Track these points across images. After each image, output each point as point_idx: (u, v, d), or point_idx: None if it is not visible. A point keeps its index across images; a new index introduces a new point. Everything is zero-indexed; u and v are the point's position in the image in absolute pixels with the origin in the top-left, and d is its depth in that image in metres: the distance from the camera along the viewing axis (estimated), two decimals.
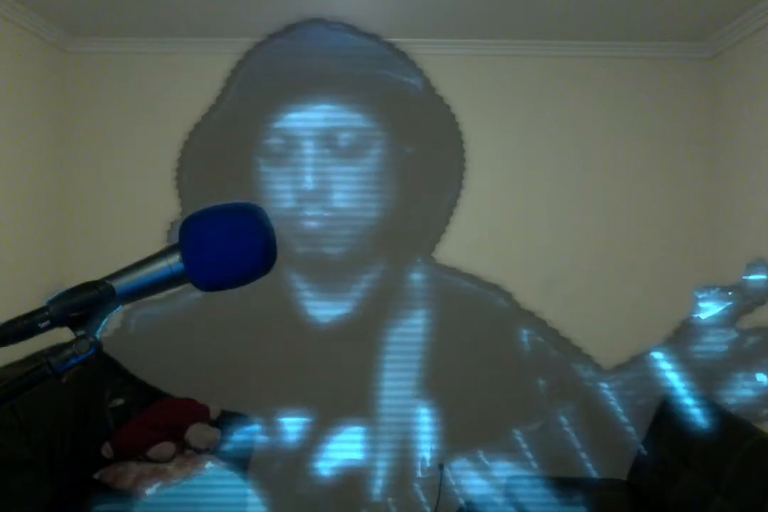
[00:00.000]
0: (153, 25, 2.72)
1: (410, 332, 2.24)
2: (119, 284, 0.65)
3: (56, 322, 0.62)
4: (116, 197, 2.92)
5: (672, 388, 1.89)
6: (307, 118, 2.09)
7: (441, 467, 2.76)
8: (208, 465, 2.30)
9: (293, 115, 2.10)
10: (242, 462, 2.51)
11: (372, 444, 2.17)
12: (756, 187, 2.43)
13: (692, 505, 2.15)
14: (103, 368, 2.65)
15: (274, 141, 2.11)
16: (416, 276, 2.32)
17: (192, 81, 2.91)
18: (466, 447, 2.15)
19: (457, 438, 2.40)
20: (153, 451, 2.41)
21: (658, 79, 2.83)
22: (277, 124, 2.13)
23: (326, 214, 2.14)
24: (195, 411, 2.60)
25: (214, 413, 2.64)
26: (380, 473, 2.11)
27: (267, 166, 2.15)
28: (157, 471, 2.32)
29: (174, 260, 0.65)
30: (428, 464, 2.16)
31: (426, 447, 2.23)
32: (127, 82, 2.91)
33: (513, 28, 2.69)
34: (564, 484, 2.62)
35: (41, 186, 2.77)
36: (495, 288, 2.42)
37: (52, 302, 0.63)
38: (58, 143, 2.86)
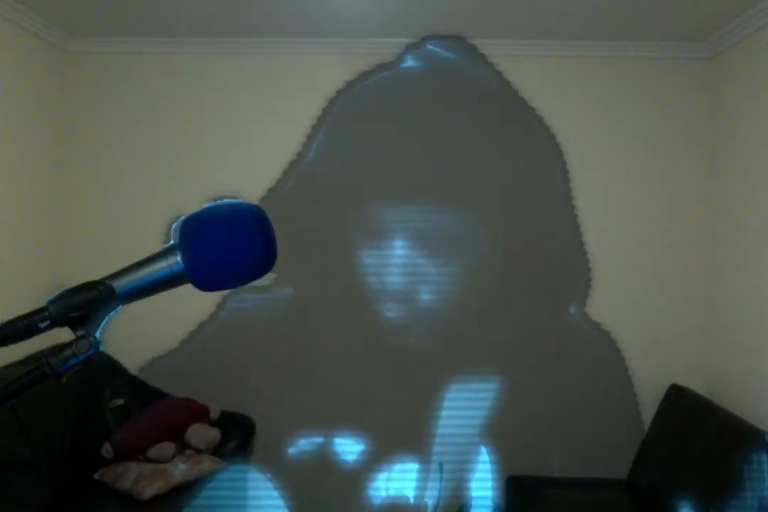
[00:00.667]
0: (153, 25, 2.72)
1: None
2: (119, 284, 0.65)
3: (56, 322, 0.62)
4: (116, 197, 2.92)
5: None
6: (403, 214, 2.20)
7: (441, 467, 2.76)
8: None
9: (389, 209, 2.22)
10: (243, 463, 2.52)
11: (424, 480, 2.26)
12: (756, 187, 2.43)
13: (692, 505, 2.14)
14: (103, 368, 2.65)
15: (371, 226, 2.20)
16: None
17: (192, 81, 2.91)
18: None
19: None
20: (153, 451, 2.40)
21: (658, 79, 2.83)
22: (376, 211, 2.24)
23: (406, 310, 2.29)
24: (195, 411, 2.60)
25: (214, 413, 2.64)
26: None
27: (360, 239, 2.26)
28: (157, 471, 2.32)
29: (174, 260, 0.65)
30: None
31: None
32: (127, 82, 2.91)
33: (513, 28, 2.69)
34: (564, 484, 2.62)
35: (41, 186, 2.77)
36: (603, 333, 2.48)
37: (52, 302, 0.63)
38: (58, 143, 2.86)
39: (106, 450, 2.41)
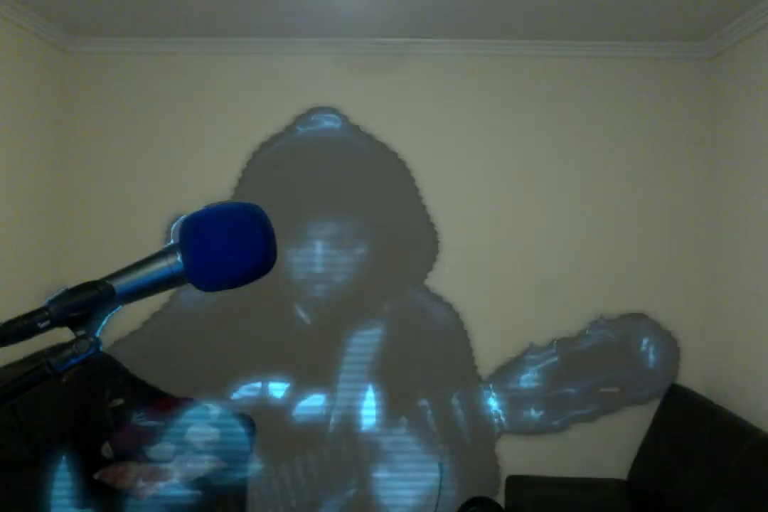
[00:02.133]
0: (153, 25, 2.72)
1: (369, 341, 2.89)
2: (119, 284, 0.65)
3: (56, 322, 0.62)
4: (116, 197, 2.92)
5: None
6: (320, 228, 2.85)
7: (441, 466, 2.76)
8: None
9: (310, 225, 2.84)
10: (242, 460, 2.52)
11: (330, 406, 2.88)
12: (756, 187, 2.43)
13: (692, 505, 2.15)
14: (103, 368, 2.65)
15: (295, 238, 2.82)
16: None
17: (192, 81, 2.91)
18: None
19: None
20: (153, 451, 2.40)
21: (658, 79, 2.83)
22: (298, 228, 2.83)
23: (328, 287, 2.85)
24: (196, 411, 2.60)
25: (214, 413, 2.64)
26: (334, 421, 2.83)
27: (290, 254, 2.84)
28: (157, 471, 2.32)
29: (174, 260, 0.65)
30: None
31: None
32: (127, 82, 2.91)
33: (513, 28, 2.69)
34: (564, 484, 2.62)
35: (41, 186, 2.77)
36: (440, 299, 2.88)
37: (52, 302, 0.63)
38: (58, 143, 2.86)
39: (106, 450, 2.41)
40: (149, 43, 2.87)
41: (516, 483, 2.62)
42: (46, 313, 0.62)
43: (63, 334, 0.63)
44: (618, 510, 2.49)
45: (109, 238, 2.90)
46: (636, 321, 2.62)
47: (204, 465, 2.41)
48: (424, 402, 2.71)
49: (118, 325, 2.76)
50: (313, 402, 2.83)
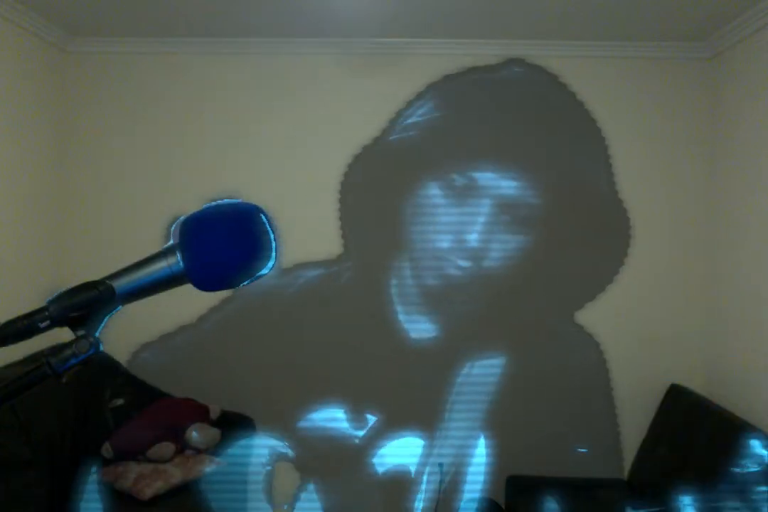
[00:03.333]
0: (153, 25, 2.72)
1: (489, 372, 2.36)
2: (119, 284, 0.65)
3: (56, 322, 0.62)
4: (116, 197, 2.92)
5: None
6: (496, 180, 2.17)
7: (441, 466, 2.76)
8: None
9: (485, 170, 2.21)
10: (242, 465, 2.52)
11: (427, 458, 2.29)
12: (756, 187, 2.43)
13: (692, 505, 2.14)
14: (103, 368, 2.65)
15: (460, 180, 2.17)
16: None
17: (192, 81, 2.91)
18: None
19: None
20: (153, 451, 2.40)
21: (658, 79, 2.83)
22: (468, 170, 2.19)
23: (470, 270, 2.25)
24: (195, 411, 2.60)
25: (214, 413, 2.64)
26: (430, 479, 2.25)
27: (441, 197, 2.19)
28: (157, 471, 2.32)
29: (174, 260, 0.65)
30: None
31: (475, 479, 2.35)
32: (127, 82, 2.91)
33: (513, 28, 2.69)
34: (564, 484, 2.62)
35: (41, 186, 2.77)
36: (590, 337, 2.53)
37: (52, 302, 0.63)
38: (58, 143, 2.86)
39: (106, 450, 2.41)
40: (149, 43, 2.87)
41: (516, 483, 2.62)
42: (46, 313, 0.62)
43: (63, 334, 0.63)
44: (618, 510, 2.49)
45: (109, 238, 2.90)
46: None
47: (204, 465, 2.41)
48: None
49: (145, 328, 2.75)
50: (405, 449, 2.22)
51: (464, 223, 2.24)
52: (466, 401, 2.32)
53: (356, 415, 2.20)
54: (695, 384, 2.67)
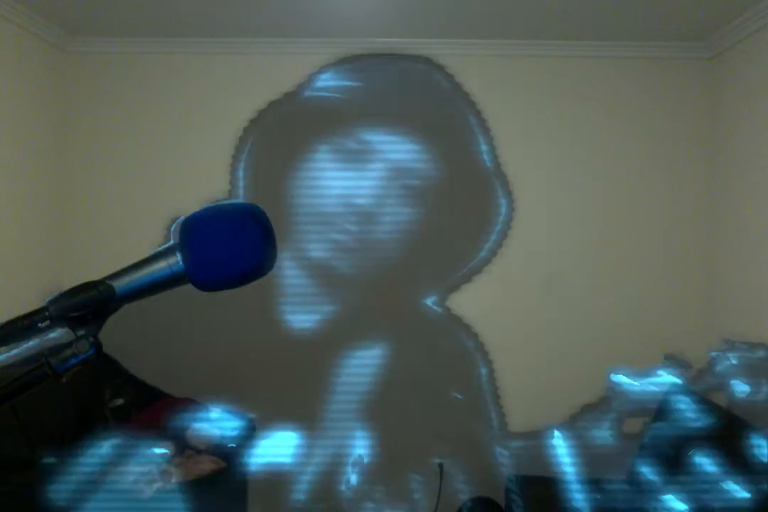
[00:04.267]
0: (153, 25, 2.72)
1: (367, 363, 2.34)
2: (119, 284, 0.65)
3: (56, 322, 0.62)
4: (116, 197, 2.92)
5: (561, 466, 1.88)
6: (391, 144, 2.12)
7: (441, 467, 2.76)
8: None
9: (377, 132, 2.13)
10: (240, 461, 2.52)
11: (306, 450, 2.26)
12: (756, 187, 2.43)
13: (692, 505, 2.14)
14: (103, 368, 2.65)
15: (350, 143, 2.12)
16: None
17: (192, 81, 2.91)
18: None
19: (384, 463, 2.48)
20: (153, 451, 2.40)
21: (658, 79, 2.83)
22: (359, 131, 2.14)
23: (363, 235, 2.19)
24: (195, 412, 2.60)
25: (213, 413, 2.64)
26: (306, 478, 2.18)
27: (328, 161, 2.14)
28: (157, 471, 2.32)
29: (174, 260, 0.65)
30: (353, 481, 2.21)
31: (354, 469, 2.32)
32: (127, 82, 2.91)
33: (513, 28, 2.69)
34: (564, 484, 2.62)
35: (41, 186, 2.77)
36: (467, 328, 2.54)
37: (52, 302, 0.63)
38: (58, 143, 2.86)
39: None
40: (149, 43, 2.87)
41: (516, 483, 2.61)
42: (46, 313, 0.62)
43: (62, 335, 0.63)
44: (617, 509, 2.49)
45: (109, 238, 2.90)
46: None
47: (204, 465, 2.41)
48: (438, 460, 2.09)
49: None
50: (281, 446, 2.19)
51: (355, 187, 2.18)
52: (346, 392, 2.30)
53: (231, 414, 2.19)
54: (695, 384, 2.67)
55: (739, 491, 1.80)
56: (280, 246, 0.68)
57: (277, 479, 2.36)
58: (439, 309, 2.49)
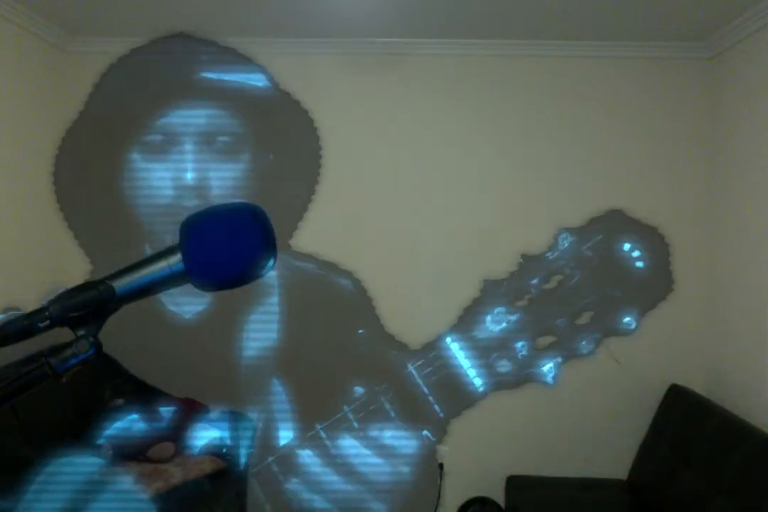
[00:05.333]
0: (153, 25, 2.71)
1: (266, 318, 2.49)
2: (119, 284, 0.65)
3: (56, 322, 0.62)
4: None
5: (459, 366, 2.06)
6: (187, 119, 2.24)
7: (441, 466, 2.76)
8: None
9: (172, 117, 2.25)
10: (241, 460, 2.52)
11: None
12: (756, 187, 2.43)
13: (692, 505, 2.15)
14: (103, 368, 2.65)
15: (154, 138, 2.25)
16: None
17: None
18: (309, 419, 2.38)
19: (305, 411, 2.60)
20: (153, 451, 2.40)
21: (658, 79, 2.83)
22: (157, 122, 2.26)
23: (202, 203, 2.31)
24: (195, 411, 2.60)
25: (213, 413, 2.64)
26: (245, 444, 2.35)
27: (145, 162, 2.27)
28: (157, 471, 2.32)
29: (174, 260, 0.65)
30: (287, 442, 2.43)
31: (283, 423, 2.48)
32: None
33: (513, 28, 2.69)
34: (564, 484, 2.62)
35: (41, 186, 2.77)
36: (336, 267, 2.61)
37: (52, 302, 0.63)
38: (58, 143, 2.86)
39: (106, 450, 2.41)
40: None
41: (516, 483, 2.62)
42: (46, 313, 0.62)
43: (63, 334, 0.63)
44: (618, 510, 2.49)
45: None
46: (610, 224, 2.00)
47: (204, 465, 2.41)
48: (359, 389, 2.28)
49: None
50: (214, 428, 2.40)
51: (176, 170, 2.29)
52: (254, 348, 2.43)
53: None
54: (695, 384, 2.67)
55: None
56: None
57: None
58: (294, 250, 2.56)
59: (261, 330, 2.48)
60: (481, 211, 2.87)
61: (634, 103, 2.83)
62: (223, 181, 2.33)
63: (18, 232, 2.62)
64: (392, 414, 2.08)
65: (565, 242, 1.95)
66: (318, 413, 2.48)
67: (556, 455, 2.80)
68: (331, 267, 2.59)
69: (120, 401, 2.62)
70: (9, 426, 2.04)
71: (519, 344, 2.03)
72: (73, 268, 2.85)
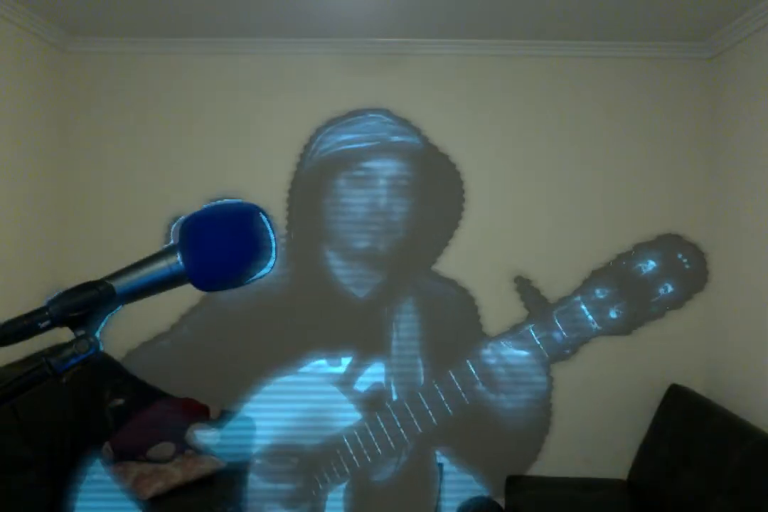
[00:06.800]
0: (153, 25, 2.72)
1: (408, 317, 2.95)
2: (119, 284, 0.65)
3: (56, 322, 0.62)
4: (116, 197, 2.92)
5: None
6: (380, 165, 2.90)
7: (441, 467, 2.76)
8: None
9: (370, 163, 2.89)
10: (243, 461, 2.52)
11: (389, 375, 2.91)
12: (756, 187, 2.43)
13: (692, 505, 2.15)
14: (103, 368, 2.65)
15: (358, 173, 2.86)
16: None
17: (192, 81, 2.91)
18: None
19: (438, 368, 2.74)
20: (153, 451, 2.41)
21: (658, 79, 2.83)
22: (361, 164, 2.88)
23: (385, 226, 2.90)
24: (195, 411, 2.60)
25: (214, 413, 2.64)
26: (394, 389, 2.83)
27: (349, 187, 2.88)
28: (157, 471, 2.32)
29: (174, 260, 0.65)
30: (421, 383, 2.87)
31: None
32: (127, 82, 2.91)
33: (513, 28, 2.69)
34: (564, 484, 2.62)
35: (41, 186, 2.77)
36: (453, 282, 2.94)
37: (52, 302, 0.63)
38: (58, 143, 2.86)
39: (106, 450, 2.42)
40: (149, 43, 2.87)
41: (516, 483, 2.62)
42: (46, 313, 0.62)
43: (63, 334, 0.63)
44: (618, 510, 2.49)
45: (109, 238, 2.90)
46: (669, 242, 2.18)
47: (204, 465, 2.41)
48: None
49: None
50: (374, 372, 2.87)
51: (373, 196, 2.88)
52: (405, 329, 2.91)
53: (334, 359, 2.82)
54: (695, 384, 2.67)
55: None
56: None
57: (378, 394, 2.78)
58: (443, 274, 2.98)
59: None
60: (483, 214, 2.87)
61: (634, 103, 2.83)
62: (400, 214, 2.89)
63: (18, 232, 2.62)
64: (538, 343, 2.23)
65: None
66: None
67: (556, 455, 2.80)
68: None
69: (120, 401, 2.62)
70: (9, 426, 2.04)
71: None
72: (73, 268, 2.85)
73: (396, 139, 2.96)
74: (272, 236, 0.70)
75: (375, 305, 2.99)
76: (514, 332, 2.18)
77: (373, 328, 2.96)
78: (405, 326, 2.98)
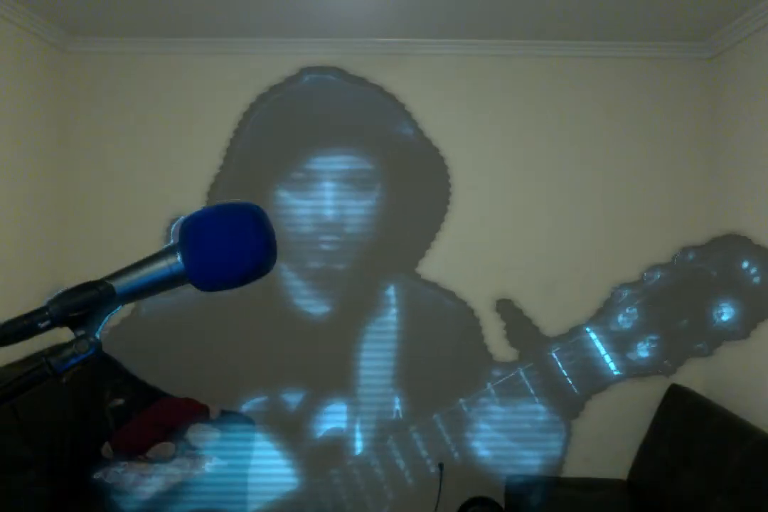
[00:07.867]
0: (153, 25, 2.72)
1: (384, 329, 2.70)
2: (119, 284, 0.65)
3: (56, 322, 0.62)
4: (116, 197, 2.92)
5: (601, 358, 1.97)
6: (328, 162, 2.57)
7: (441, 467, 2.76)
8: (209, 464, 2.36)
9: (317, 159, 2.58)
10: (243, 461, 2.52)
11: (353, 415, 2.63)
12: (756, 187, 2.43)
13: (692, 505, 2.15)
14: (103, 368, 2.65)
15: (300, 176, 2.56)
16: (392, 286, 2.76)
17: (192, 81, 2.91)
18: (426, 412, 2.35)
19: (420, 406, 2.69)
20: (153, 451, 2.41)
21: (658, 79, 2.83)
22: (303, 165, 2.59)
23: (338, 238, 2.62)
24: (195, 411, 2.60)
25: (213, 413, 2.64)
26: (359, 436, 2.54)
27: (292, 198, 2.59)
28: (157, 471, 2.32)
29: (174, 260, 0.65)
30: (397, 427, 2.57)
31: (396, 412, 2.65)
32: (127, 82, 2.91)
33: (513, 28, 2.69)
34: (564, 484, 2.62)
35: (41, 186, 2.77)
36: (451, 294, 2.74)
37: (52, 302, 0.63)
38: (58, 143, 2.86)
39: (106, 450, 2.42)
40: (149, 43, 2.87)
41: (516, 483, 2.62)
42: (46, 313, 0.62)
43: (63, 334, 0.63)
44: (618, 510, 2.49)
45: (109, 238, 2.90)
46: (731, 245, 1.92)
47: (203, 464, 2.41)
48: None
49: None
50: (333, 414, 2.53)
51: (318, 207, 2.61)
52: (373, 358, 2.61)
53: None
54: (695, 384, 2.67)
55: None
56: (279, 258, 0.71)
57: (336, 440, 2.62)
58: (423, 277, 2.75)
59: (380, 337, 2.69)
60: (483, 214, 2.87)
61: (634, 103, 2.83)
62: (357, 216, 2.61)
63: (18, 232, 2.62)
64: (532, 391, 1.95)
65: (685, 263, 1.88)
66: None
67: (556, 455, 2.80)
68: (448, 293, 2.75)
69: (120, 401, 2.62)
70: (9, 426, 2.04)
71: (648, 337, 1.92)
72: (73, 268, 2.85)
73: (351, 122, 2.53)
74: (272, 235, 0.70)
75: (335, 326, 2.64)
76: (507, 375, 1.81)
77: (333, 356, 2.61)
78: (376, 352, 2.59)
